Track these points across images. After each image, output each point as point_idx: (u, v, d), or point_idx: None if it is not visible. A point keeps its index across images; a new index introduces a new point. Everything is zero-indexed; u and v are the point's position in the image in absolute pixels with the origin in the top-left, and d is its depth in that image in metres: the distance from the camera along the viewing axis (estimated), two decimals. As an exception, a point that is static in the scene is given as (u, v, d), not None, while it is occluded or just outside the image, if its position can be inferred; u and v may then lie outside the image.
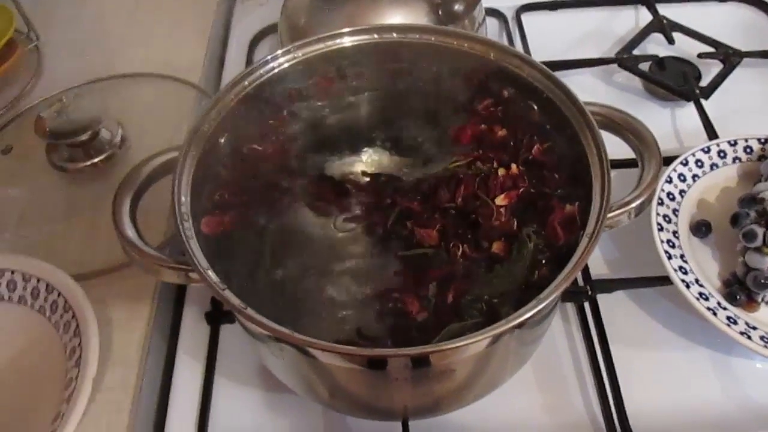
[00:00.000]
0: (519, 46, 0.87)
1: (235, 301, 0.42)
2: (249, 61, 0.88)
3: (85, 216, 0.68)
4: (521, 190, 0.51)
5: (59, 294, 0.56)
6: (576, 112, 0.51)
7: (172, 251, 0.48)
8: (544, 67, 0.53)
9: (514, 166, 0.52)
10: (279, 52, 0.55)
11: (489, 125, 0.55)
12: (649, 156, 0.50)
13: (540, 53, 0.84)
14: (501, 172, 0.52)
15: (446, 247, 0.49)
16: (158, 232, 0.63)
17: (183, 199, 0.48)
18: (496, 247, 0.48)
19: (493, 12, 0.92)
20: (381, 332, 0.45)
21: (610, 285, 0.63)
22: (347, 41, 0.57)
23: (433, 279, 0.47)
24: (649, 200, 0.49)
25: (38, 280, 0.57)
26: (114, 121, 0.73)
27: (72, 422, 0.48)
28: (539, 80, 0.53)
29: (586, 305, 0.62)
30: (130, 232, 0.48)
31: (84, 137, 0.69)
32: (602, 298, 0.62)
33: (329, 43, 0.57)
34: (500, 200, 0.50)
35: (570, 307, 0.63)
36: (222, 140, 0.53)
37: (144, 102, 0.79)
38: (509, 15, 0.92)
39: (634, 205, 0.48)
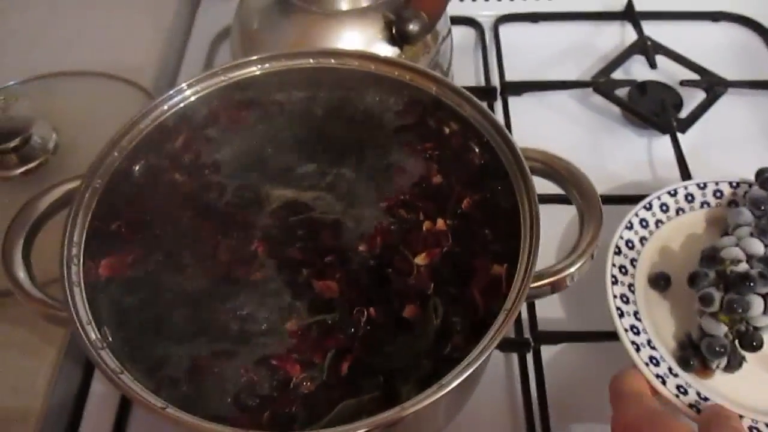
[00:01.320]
0: (493, 61, 0.82)
1: (111, 365, 0.38)
2: (208, 63, 0.83)
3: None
4: (444, 249, 0.47)
5: None
6: (512, 159, 0.46)
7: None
8: (484, 108, 0.49)
9: (441, 221, 0.48)
10: (201, 76, 0.51)
11: (423, 168, 0.51)
12: (589, 216, 0.45)
13: (515, 70, 0.81)
14: (426, 225, 0.48)
15: (350, 308, 0.45)
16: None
17: (75, 239, 0.44)
18: (408, 311, 0.44)
19: (468, 21, 0.87)
20: (262, 403, 0.41)
21: (556, 337, 0.59)
22: (282, 65, 0.53)
23: (330, 347, 0.43)
24: (588, 262, 0.44)
25: None
26: (49, 124, 0.69)
27: None
28: (479, 121, 0.49)
29: (529, 356, 0.58)
30: (21, 273, 0.44)
31: (13, 143, 0.65)
32: (546, 348, 0.58)
33: (266, 65, 0.52)
34: (420, 259, 0.46)
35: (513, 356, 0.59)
36: (133, 170, 0.49)
37: (87, 103, 0.75)
38: (486, 25, 0.87)
39: (568, 272, 0.43)
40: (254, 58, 0.53)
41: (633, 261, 0.58)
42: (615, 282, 0.56)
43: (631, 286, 0.57)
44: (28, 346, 0.56)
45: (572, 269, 0.44)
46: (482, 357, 0.38)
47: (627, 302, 0.56)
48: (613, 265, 0.57)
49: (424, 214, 0.49)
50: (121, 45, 0.82)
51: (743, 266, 0.53)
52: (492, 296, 0.43)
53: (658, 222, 0.61)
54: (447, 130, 0.51)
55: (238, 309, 0.45)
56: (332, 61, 0.53)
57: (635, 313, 0.55)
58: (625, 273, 0.57)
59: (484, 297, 0.43)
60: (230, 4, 0.90)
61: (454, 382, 0.37)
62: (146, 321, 0.45)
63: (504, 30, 0.86)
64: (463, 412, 0.53)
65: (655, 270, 0.59)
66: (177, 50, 0.86)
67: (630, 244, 0.59)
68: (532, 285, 0.41)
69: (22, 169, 0.67)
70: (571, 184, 0.47)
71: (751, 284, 0.50)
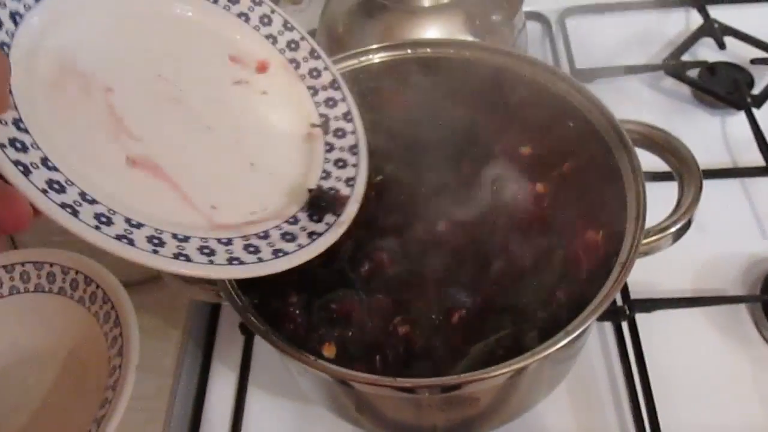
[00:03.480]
0: (562, 52, 0.85)
1: (258, 324, 0.42)
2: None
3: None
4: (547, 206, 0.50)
5: (97, 286, 0.57)
6: (611, 131, 0.49)
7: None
8: (579, 83, 0.52)
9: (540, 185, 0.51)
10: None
11: (520, 143, 0.54)
12: (689, 177, 0.48)
13: (584, 59, 0.83)
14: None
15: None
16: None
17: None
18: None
19: (535, 16, 0.90)
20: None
21: (650, 305, 0.61)
22: (379, 57, 0.57)
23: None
24: (688, 225, 0.47)
25: (77, 272, 0.58)
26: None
27: (119, 407, 0.49)
28: (574, 96, 0.52)
29: (624, 325, 0.60)
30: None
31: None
32: (641, 317, 0.60)
33: (362, 58, 0.56)
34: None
35: (608, 326, 0.61)
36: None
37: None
38: (553, 19, 0.90)
39: (671, 230, 0.46)
40: (353, 52, 0.57)
41: None
42: None
43: None
44: (155, 331, 0.61)
45: (675, 227, 0.46)
46: (600, 309, 0.41)
47: None
48: None
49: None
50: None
51: None
52: (600, 255, 0.46)
53: None
54: (545, 107, 0.54)
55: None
56: (428, 50, 0.56)
57: None
58: None
59: (590, 255, 0.46)
60: (299, 15, 0.96)
61: (578, 329, 0.40)
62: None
63: (570, 22, 0.89)
64: (562, 386, 0.55)
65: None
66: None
67: None
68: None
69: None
70: (669, 152, 0.49)
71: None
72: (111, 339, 0.55)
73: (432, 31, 0.67)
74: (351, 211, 0.43)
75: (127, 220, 0.35)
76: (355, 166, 0.46)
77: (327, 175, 0.45)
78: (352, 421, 0.53)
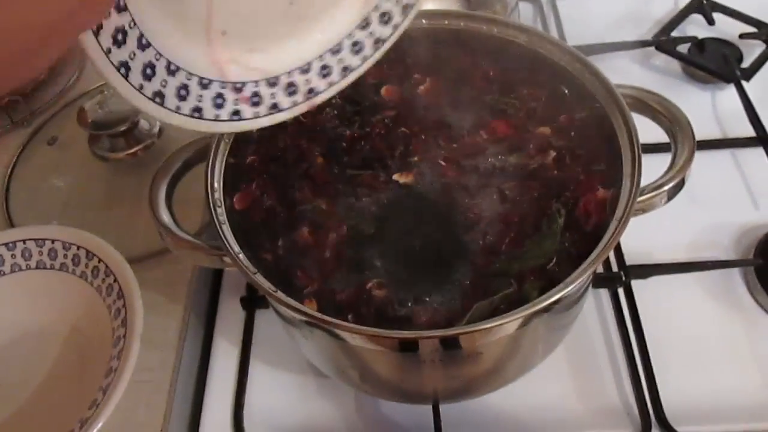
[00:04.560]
0: (554, 31, 0.86)
1: (265, 284, 0.43)
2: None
3: (125, 204, 0.70)
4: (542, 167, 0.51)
5: (99, 260, 0.58)
6: (606, 94, 0.50)
7: (207, 237, 0.49)
8: (574, 50, 0.53)
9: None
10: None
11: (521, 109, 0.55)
12: (682, 137, 0.49)
13: (575, 37, 0.84)
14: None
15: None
16: (195, 222, 0.65)
17: (216, 185, 0.49)
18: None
19: (526, -4, 0.91)
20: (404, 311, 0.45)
21: (645, 271, 0.62)
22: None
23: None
24: (682, 183, 0.48)
25: (78, 248, 0.59)
26: (152, 111, 0.75)
27: (125, 375, 0.50)
28: (570, 64, 0.53)
29: (620, 291, 0.61)
30: (166, 217, 0.49)
31: (123, 128, 0.71)
32: (637, 283, 0.61)
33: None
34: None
35: (604, 293, 0.62)
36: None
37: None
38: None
39: (666, 188, 0.47)
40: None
41: None
42: None
43: None
44: (157, 306, 0.61)
45: (670, 185, 0.47)
46: (598, 262, 0.41)
47: None
48: None
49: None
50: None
51: None
52: (599, 213, 0.47)
53: None
54: (542, 75, 0.54)
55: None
56: (423, 21, 0.57)
57: None
58: None
59: (593, 212, 0.47)
60: None
61: (577, 280, 0.41)
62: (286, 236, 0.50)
63: (561, 2, 0.90)
64: (560, 351, 0.56)
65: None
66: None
67: None
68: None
69: (131, 151, 0.73)
70: (662, 113, 0.50)
71: None
72: (114, 311, 0.56)
73: (426, 4, 0.68)
74: None
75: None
76: None
77: None
78: (355, 386, 0.54)
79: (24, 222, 0.69)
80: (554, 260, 0.45)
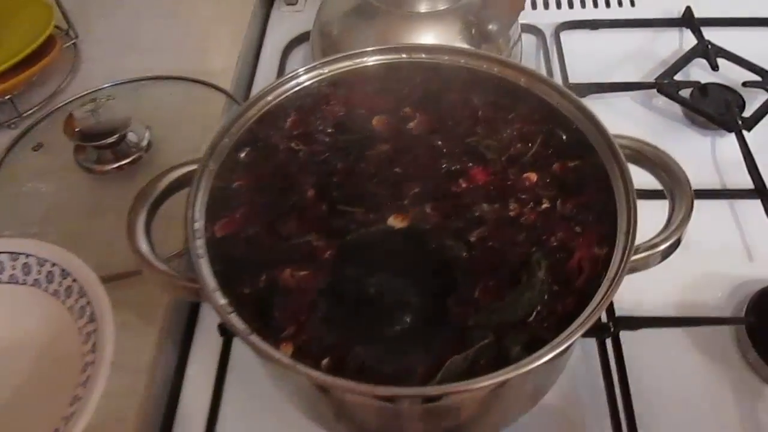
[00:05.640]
0: (556, 65, 0.85)
1: (240, 326, 0.41)
2: (281, 68, 0.87)
3: (107, 218, 0.68)
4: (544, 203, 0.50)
5: (74, 279, 0.56)
6: (604, 144, 0.49)
7: (188, 260, 0.47)
8: (574, 96, 0.51)
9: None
10: (300, 70, 0.54)
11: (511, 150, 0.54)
12: (680, 195, 0.47)
13: (577, 74, 0.83)
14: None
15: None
16: (180, 239, 0.63)
17: (197, 215, 0.47)
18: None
19: (530, 29, 0.90)
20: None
21: (635, 322, 0.60)
22: (374, 60, 0.56)
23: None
24: (677, 243, 0.47)
25: (53, 265, 0.57)
26: (142, 124, 0.73)
27: (90, 405, 0.48)
28: (568, 109, 0.52)
29: (608, 341, 0.60)
30: (144, 246, 0.47)
31: (111, 140, 0.69)
32: (625, 333, 0.60)
33: (356, 60, 0.56)
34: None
35: (591, 341, 0.61)
36: (242, 155, 0.53)
37: (174, 105, 0.79)
38: (548, 33, 0.90)
39: (661, 248, 0.46)
40: (342, 55, 0.56)
41: None
42: None
43: None
44: (131, 327, 0.59)
45: (665, 245, 0.46)
46: (587, 325, 0.40)
47: None
48: None
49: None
50: (202, 52, 0.86)
51: None
52: (589, 269, 0.46)
53: None
54: (539, 118, 0.53)
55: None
56: (423, 55, 0.56)
57: None
58: None
59: (584, 268, 0.46)
60: (297, 16, 0.96)
61: (563, 344, 0.39)
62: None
63: (565, 37, 0.89)
64: (545, 401, 0.54)
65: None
66: (251, 57, 0.91)
67: None
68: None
69: (117, 165, 0.71)
70: (661, 168, 0.49)
71: None
72: (85, 334, 0.54)
73: (427, 37, 0.67)
74: None
75: None
76: None
77: None
78: (330, 428, 0.52)
79: (2, 227, 0.67)
80: (535, 314, 0.44)
